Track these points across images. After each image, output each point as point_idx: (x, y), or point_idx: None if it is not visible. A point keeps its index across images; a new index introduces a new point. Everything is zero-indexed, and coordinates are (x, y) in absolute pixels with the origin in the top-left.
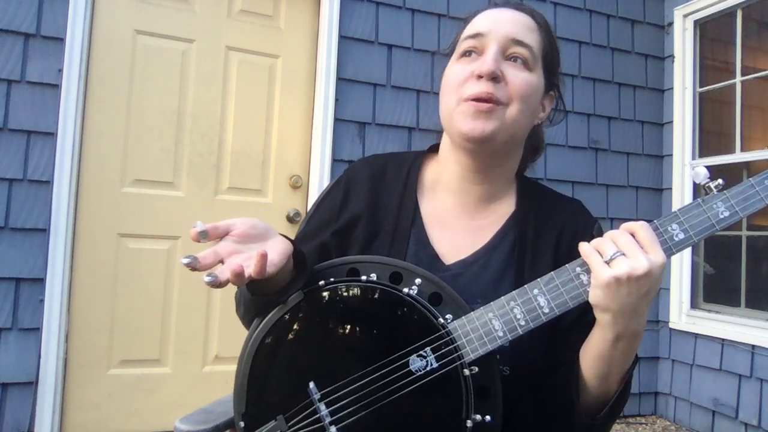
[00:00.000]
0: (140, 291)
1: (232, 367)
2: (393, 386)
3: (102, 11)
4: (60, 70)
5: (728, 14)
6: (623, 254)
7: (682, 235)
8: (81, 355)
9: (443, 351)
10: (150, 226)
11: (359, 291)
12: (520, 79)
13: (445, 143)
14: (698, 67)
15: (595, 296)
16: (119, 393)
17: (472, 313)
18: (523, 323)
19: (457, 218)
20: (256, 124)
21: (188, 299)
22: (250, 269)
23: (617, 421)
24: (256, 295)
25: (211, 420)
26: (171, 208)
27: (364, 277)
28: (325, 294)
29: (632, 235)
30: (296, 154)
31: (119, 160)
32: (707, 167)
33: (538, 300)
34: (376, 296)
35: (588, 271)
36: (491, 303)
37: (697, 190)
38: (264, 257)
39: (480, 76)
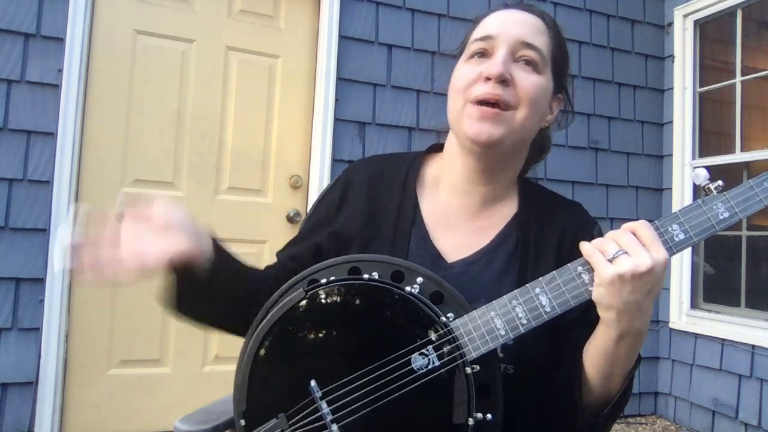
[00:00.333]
0: (140, 291)
1: (233, 367)
2: (395, 384)
3: (102, 11)
4: (60, 70)
5: (728, 14)
6: (626, 252)
7: (682, 236)
8: (81, 355)
9: (445, 349)
10: None
11: (361, 290)
12: (529, 82)
13: (451, 143)
14: (698, 67)
15: (598, 294)
16: (119, 393)
17: (474, 311)
18: (525, 322)
19: (460, 218)
20: (256, 124)
21: None
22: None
23: (617, 420)
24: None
25: (211, 420)
26: None
27: (365, 276)
28: (327, 293)
29: (633, 233)
30: (296, 154)
31: (119, 160)
32: (707, 168)
33: (540, 299)
34: (377, 295)
35: (589, 270)
36: (493, 302)
37: (698, 191)
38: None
39: (488, 78)
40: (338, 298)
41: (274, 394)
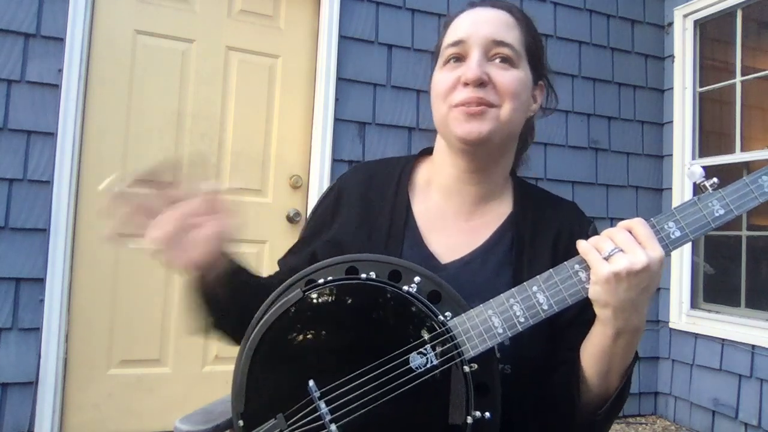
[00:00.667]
0: (140, 291)
1: (233, 367)
2: (393, 384)
3: (102, 11)
4: (60, 70)
5: (728, 14)
6: (621, 250)
7: (678, 233)
8: (81, 355)
9: (443, 348)
10: None
11: (358, 289)
12: (507, 78)
13: (440, 145)
14: (698, 67)
15: (594, 292)
16: (119, 393)
17: (471, 310)
18: (522, 320)
19: (453, 219)
20: (256, 124)
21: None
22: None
23: (617, 420)
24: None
25: (211, 420)
26: None
27: (363, 276)
28: (324, 293)
29: (629, 231)
30: (296, 154)
31: (119, 160)
32: (703, 167)
33: (537, 297)
34: (375, 294)
35: (586, 269)
36: (490, 300)
37: (697, 190)
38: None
39: (466, 84)
40: (336, 298)
41: (272, 394)
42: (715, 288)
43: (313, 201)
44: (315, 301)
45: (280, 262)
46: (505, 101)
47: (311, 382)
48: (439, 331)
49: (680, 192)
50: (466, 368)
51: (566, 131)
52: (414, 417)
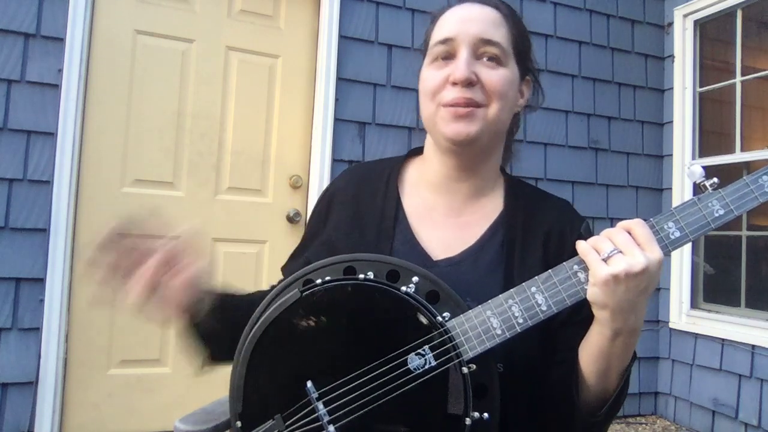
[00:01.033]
0: None
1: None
2: (391, 385)
3: (102, 11)
4: (60, 70)
5: (728, 14)
6: (620, 252)
7: (678, 233)
8: (81, 355)
9: (441, 349)
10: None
11: (356, 290)
12: (495, 78)
13: (429, 143)
14: (698, 67)
15: (593, 294)
16: (119, 393)
17: (470, 311)
18: (521, 321)
19: (444, 216)
20: (256, 124)
21: None
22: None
23: (617, 420)
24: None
25: (211, 420)
26: (171, 208)
27: (360, 276)
28: (322, 293)
29: (629, 232)
30: (296, 154)
31: (119, 160)
32: (703, 167)
33: (536, 298)
34: (373, 295)
35: (585, 269)
36: (489, 301)
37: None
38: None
39: (455, 83)
40: (334, 299)
41: (271, 395)
42: (715, 288)
43: (313, 201)
44: (312, 301)
45: (283, 269)
46: (493, 101)
47: (309, 383)
48: (437, 331)
49: (680, 192)
50: (465, 369)
51: (566, 131)
52: (412, 418)
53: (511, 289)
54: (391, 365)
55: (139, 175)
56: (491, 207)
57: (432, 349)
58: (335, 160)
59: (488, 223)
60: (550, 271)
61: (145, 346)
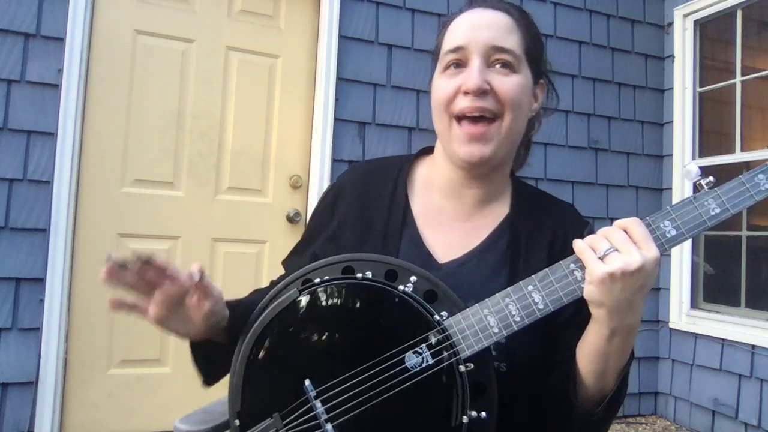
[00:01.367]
0: None
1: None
2: (389, 383)
3: (102, 11)
4: (60, 70)
5: (728, 14)
6: (617, 250)
7: (674, 232)
8: (81, 355)
9: (439, 348)
10: (150, 226)
11: (355, 289)
12: (508, 85)
13: (440, 150)
14: (698, 67)
15: (589, 292)
16: (119, 393)
17: (467, 309)
18: (518, 319)
19: (452, 219)
20: (256, 124)
21: None
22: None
23: (617, 420)
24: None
25: (211, 420)
26: (171, 208)
27: (359, 275)
28: (321, 292)
29: (625, 231)
30: (296, 154)
31: (119, 160)
32: (701, 167)
33: (532, 296)
34: (371, 294)
35: (582, 268)
36: (486, 300)
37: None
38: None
39: (467, 93)
40: (332, 298)
41: (269, 393)
42: (715, 288)
43: (313, 201)
44: (311, 300)
45: (285, 263)
46: (507, 110)
47: (307, 382)
48: (434, 330)
49: (680, 192)
50: (462, 368)
51: (566, 131)
52: (409, 417)
53: (508, 288)
54: (388, 364)
55: (139, 175)
56: (499, 210)
57: (429, 347)
58: (335, 160)
59: (494, 226)
60: (546, 269)
61: (145, 346)
